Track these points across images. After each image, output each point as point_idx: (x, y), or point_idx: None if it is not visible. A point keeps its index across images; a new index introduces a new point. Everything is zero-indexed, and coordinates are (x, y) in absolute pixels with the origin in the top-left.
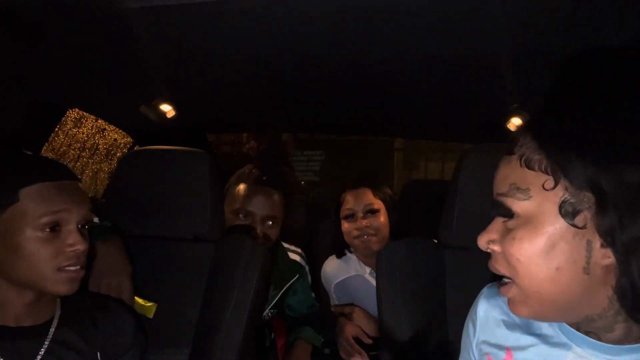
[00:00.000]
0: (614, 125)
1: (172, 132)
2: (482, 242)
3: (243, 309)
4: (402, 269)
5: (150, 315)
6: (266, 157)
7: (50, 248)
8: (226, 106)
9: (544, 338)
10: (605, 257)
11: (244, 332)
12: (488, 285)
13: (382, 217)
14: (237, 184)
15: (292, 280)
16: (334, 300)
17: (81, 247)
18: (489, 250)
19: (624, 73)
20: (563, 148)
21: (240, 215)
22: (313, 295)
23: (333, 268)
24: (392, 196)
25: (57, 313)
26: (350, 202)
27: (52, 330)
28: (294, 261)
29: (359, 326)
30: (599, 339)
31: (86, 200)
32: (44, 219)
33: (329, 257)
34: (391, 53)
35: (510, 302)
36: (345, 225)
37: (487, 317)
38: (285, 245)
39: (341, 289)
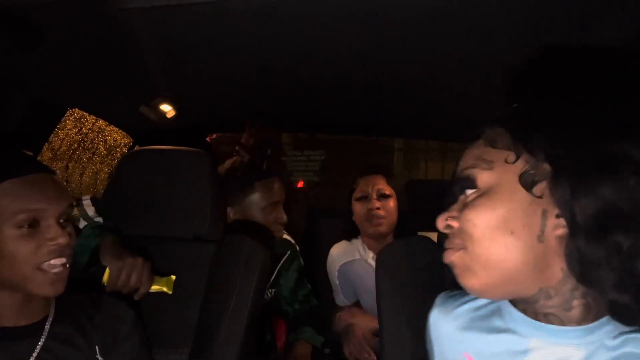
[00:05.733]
0: (570, 103)
1: (172, 132)
2: (441, 220)
3: (243, 309)
4: (402, 269)
5: (170, 290)
6: (259, 150)
7: (29, 245)
8: (226, 106)
9: (502, 333)
10: (559, 226)
11: (244, 332)
12: (440, 295)
13: (393, 203)
14: (249, 178)
15: (285, 257)
16: (337, 286)
17: (63, 240)
18: (447, 231)
19: (577, 61)
20: (524, 125)
21: (273, 205)
22: (309, 287)
23: (338, 251)
24: (402, 187)
25: (52, 310)
26: (364, 185)
27: (47, 327)
28: (285, 239)
29: (362, 328)
30: (562, 322)
31: (63, 194)
32: (20, 216)
33: (338, 243)
34: (391, 53)
35: (460, 274)
36: (358, 207)
37: (438, 331)
38: None
39: (344, 273)
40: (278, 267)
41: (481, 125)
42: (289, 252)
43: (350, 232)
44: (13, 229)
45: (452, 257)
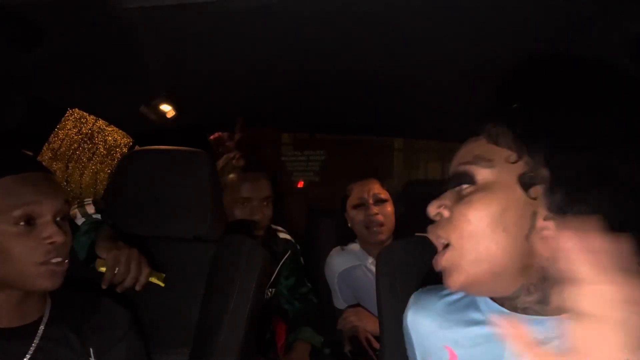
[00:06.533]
0: (572, 111)
1: (172, 132)
2: (433, 207)
3: (243, 308)
4: (402, 269)
5: (163, 283)
6: (244, 145)
7: (26, 242)
8: (226, 106)
9: (479, 325)
10: (545, 228)
11: (244, 332)
12: (413, 294)
13: (390, 207)
14: (225, 174)
15: (286, 256)
16: (337, 293)
17: (59, 239)
18: (437, 218)
19: (583, 71)
20: (528, 128)
21: (242, 202)
22: (309, 286)
23: (337, 257)
24: (396, 190)
25: (47, 311)
26: (359, 191)
27: (41, 328)
28: (286, 239)
29: (368, 331)
30: (538, 314)
31: (59, 192)
32: (15, 213)
33: (334, 249)
34: (391, 53)
35: (446, 273)
36: (355, 214)
37: (417, 328)
38: (274, 226)
39: (344, 279)
40: (279, 267)
41: (484, 121)
42: (289, 251)
43: (347, 237)
44: (10, 226)
45: (441, 261)
